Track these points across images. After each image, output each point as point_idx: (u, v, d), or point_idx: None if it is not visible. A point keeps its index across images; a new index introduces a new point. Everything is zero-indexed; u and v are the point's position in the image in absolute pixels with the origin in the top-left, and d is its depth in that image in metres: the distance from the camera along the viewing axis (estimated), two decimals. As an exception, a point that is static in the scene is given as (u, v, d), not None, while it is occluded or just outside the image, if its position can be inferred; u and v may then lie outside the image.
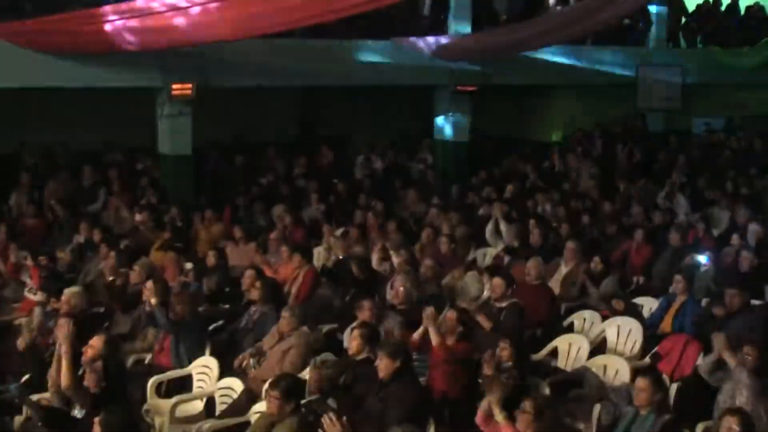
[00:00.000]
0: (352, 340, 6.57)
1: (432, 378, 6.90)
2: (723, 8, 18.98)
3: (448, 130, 15.83)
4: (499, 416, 5.33)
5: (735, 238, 10.59)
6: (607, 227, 11.77)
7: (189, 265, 10.03)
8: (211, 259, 9.44)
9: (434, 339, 6.78)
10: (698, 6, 18.87)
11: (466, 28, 15.18)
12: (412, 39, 14.83)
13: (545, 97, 18.09)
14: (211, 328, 8.31)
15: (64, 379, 5.61)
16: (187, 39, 11.64)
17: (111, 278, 8.89)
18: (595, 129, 17.30)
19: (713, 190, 13.86)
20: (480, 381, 6.57)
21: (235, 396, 6.78)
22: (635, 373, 7.20)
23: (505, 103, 17.77)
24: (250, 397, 6.71)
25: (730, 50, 18.00)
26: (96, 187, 12.61)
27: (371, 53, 14.45)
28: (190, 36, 11.56)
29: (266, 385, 6.85)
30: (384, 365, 6.08)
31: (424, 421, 6.07)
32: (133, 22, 11.02)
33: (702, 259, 10.11)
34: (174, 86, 12.25)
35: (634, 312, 8.84)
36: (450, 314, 7.07)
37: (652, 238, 10.90)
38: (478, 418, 5.64)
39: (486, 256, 11.32)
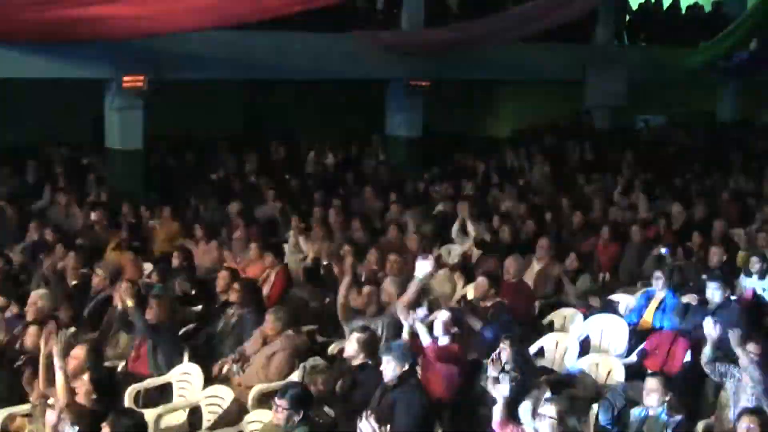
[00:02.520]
0: (349, 344, 6.29)
1: (426, 381, 6.66)
2: (665, 8, 19.27)
3: (401, 126, 15.64)
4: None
5: (696, 235, 10.65)
6: (570, 224, 11.73)
7: (148, 266, 9.65)
8: (175, 258, 8.99)
9: (425, 340, 6.54)
10: (640, 5, 19.13)
11: (420, 23, 15.03)
12: (366, 32, 14.60)
13: (495, 93, 18.07)
14: (181, 332, 7.91)
15: (63, 396, 5.14)
16: (139, 29, 11.23)
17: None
18: (544, 125, 17.37)
19: (662, 186, 14.07)
20: (483, 384, 6.37)
21: (224, 405, 6.42)
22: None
23: (455, 98, 17.69)
24: (241, 406, 6.36)
25: (672, 49, 18.28)
26: (41, 184, 11.97)
27: (325, 47, 14.17)
28: (143, 26, 11.17)
29: (252, 393, 6.65)
30: (390, 369, 5.84)
31: (431, 426, 5.85)
32: (83, 10, 10.56)
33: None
34: (125, 78, 11.76)
35: (611, 309, 8.81)
36: (443, 315, 6.86)
37: (617, 234, 10.89)
38: (495, 423, 5.45)
39: (451, 253, 11.17)
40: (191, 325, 8.09)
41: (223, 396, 6.50)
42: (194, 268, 9.13)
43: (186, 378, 6.84)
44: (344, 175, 14.62)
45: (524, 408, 5.54)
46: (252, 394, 6.65)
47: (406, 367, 5.91)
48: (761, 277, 8.97)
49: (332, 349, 7.83)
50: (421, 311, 6.79)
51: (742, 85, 20.17)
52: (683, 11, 19.16)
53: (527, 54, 16.34)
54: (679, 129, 18.53)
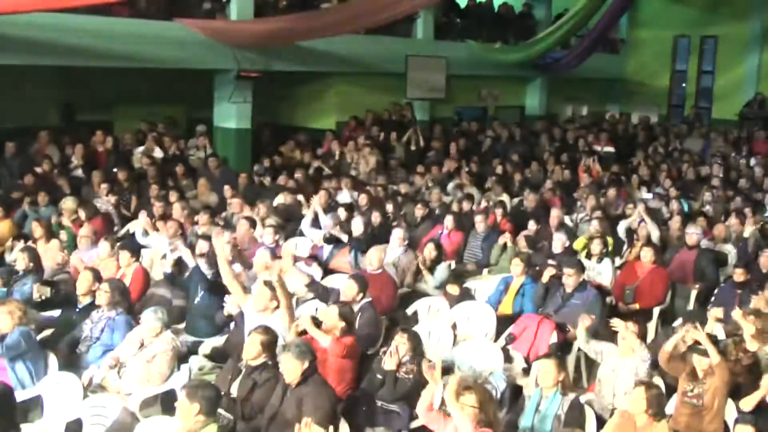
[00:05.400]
0: (249, 344, 6.08)
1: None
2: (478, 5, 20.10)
3: (230, 117, 15.29)
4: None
5: (532, 223, 11.21)
6: (412, 214, 11.99)
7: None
8: (22, 260, 8.29)
9: (324, 340, 6.51)
10: (456, 2, 19.79)
11: (249, 13, 14.76)
12: (193, 20, 14.13)
13: (321, 84, 18.09)
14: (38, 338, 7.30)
15: None
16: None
17: None
18: (366, 117, 17.60)
19: (487, 176, 14.72)
20: (379, 376, 6.41)
21: (110, 415, 6.00)
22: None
23: (282, 90, 17.54)
24: (132, 415, 5.99)
25: (485, 45, 19.10)
26: None
27: (151, 34, 13.57)
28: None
29: (134, 399, 6.28)
30: (292, 368, 5.73)
31: (337, 421, 5.81)
32: None
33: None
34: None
35: (469, 296, 9.10)
36: (331, 310, 6.82)
37: (461, 223, 11.24)
38: (421, 407, 5.52)
39: (297, 246, 11.09)
40: (48, 332, 7.52)
41: (107, 405, 6.09)
42: (43, 269, 8.47)
43: (58, 389, 6.35)
44: (173, 168, 14.11)
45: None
46: (134, 400, 6.32)
47: (307, 364, 5.83)
48: (599, 260, 9.63)
49: (204, 348, 7.60)
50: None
51: (546, 81, 21.49)
52: (496, 9, 20.05)
53: (352, 47, 16.49)
54: (493, 122, 19.35)
